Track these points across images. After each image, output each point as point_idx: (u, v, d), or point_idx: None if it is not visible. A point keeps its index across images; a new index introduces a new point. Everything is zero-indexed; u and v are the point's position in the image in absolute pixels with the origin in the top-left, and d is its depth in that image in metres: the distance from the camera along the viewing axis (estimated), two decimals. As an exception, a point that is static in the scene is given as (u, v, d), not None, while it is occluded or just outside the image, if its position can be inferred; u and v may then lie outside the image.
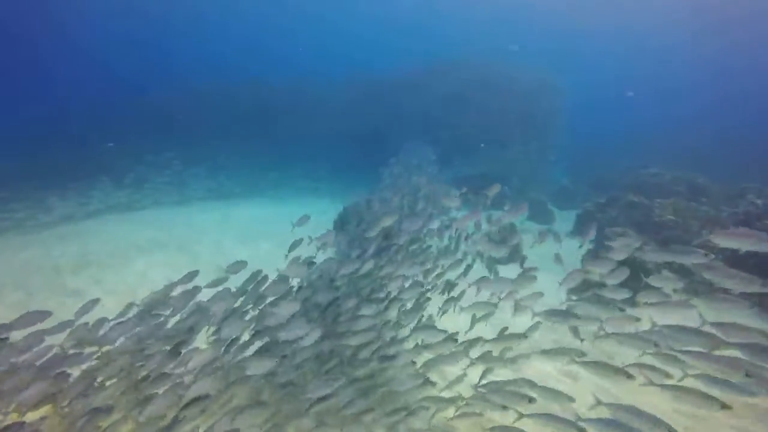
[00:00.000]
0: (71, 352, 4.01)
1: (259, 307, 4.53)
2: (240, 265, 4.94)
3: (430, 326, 4.29)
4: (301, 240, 5.81)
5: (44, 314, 4.14)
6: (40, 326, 4.07)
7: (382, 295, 4.76)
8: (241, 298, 4.55)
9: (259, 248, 10.80)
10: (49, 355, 3.95)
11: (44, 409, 3.65)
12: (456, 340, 4.14)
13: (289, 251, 5.58)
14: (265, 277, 4.82)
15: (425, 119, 20.69)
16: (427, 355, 4.30)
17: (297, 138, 23.31)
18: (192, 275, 4.84)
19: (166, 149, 20.09)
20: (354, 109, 23.12)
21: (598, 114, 34.88)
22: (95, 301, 4.62)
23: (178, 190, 18.02)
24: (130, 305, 4.53)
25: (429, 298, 5.14)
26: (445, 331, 4.15)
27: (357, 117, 22.64)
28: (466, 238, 6.75)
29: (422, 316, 5.00)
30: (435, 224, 6.34)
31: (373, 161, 18.86)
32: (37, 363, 3.83)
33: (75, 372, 3.91)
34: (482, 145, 19.12)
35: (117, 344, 4.11)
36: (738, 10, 32.93)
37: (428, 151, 11.79)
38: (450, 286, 5.59)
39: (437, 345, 4.13)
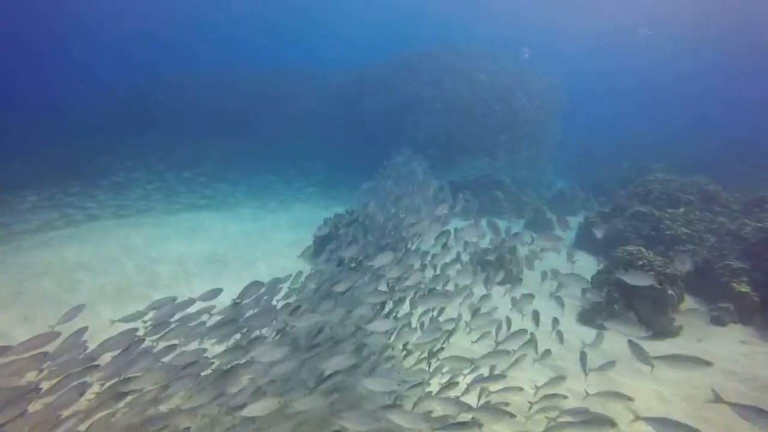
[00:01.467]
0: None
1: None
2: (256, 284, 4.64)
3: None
4: (311, 247, 7.23)
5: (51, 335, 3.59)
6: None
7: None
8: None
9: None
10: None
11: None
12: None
13: (300, 257, 6.65)
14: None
15: (401, 122, 18.95)
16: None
17: (255, 139, 21.40)
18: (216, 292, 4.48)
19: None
20: (325, 108, 21.44)
21: (593, 110, 34.08)
22: (80, 308, 4.13)
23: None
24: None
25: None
26: None
27: (328, 117, 21.00)
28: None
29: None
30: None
31: (345, 166, 17.51)
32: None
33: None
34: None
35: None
36: (750, 12, 32.44)
37: (420, 158, 10.71)
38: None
39: None
